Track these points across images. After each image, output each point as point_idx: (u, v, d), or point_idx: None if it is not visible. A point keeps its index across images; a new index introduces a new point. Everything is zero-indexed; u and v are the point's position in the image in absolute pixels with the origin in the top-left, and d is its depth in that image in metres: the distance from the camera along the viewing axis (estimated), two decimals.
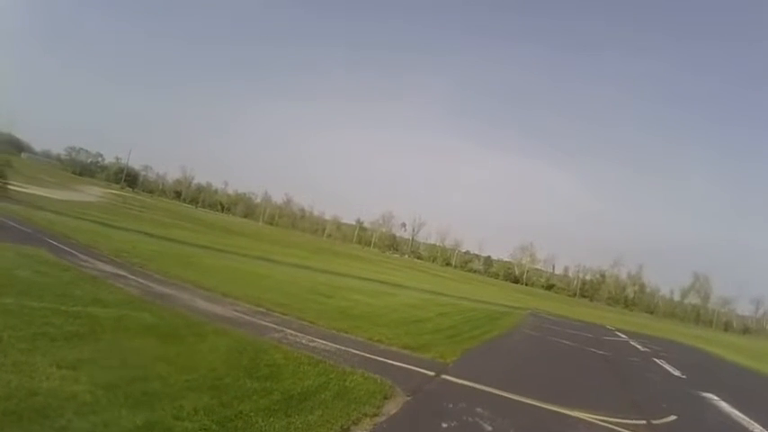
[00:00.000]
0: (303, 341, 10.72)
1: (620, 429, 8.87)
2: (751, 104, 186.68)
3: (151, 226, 42.13)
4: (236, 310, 12.87)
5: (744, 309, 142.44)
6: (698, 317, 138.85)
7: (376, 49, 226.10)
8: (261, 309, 13.70)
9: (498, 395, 9.65)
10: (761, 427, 10.88)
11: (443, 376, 10.22)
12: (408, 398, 8.15)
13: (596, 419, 9.24)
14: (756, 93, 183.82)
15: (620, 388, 14.06)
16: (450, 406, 8.22)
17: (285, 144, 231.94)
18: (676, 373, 19.18)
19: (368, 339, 12.32)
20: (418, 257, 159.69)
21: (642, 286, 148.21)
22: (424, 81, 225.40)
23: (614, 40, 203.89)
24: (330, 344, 10.95)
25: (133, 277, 15.22)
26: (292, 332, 11.41)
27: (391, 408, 7.51)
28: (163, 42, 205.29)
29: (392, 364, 10.31)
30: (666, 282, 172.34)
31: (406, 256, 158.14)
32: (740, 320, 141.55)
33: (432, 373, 10.22)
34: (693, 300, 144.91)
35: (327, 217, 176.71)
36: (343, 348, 10.76)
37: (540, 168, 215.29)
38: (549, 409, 9.40)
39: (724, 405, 13.21)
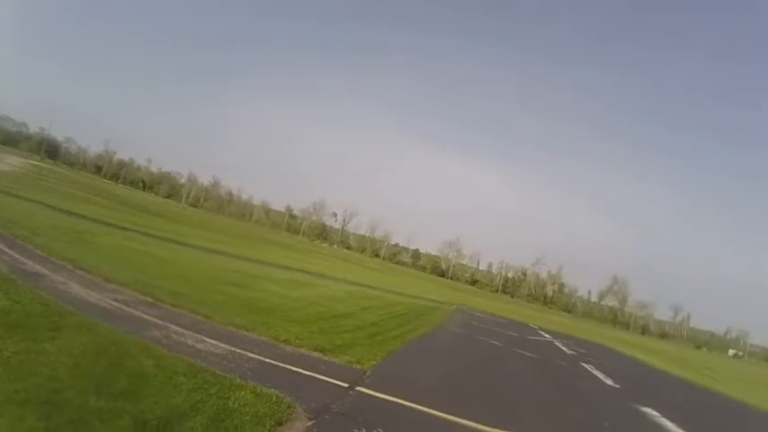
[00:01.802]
0: (189, 342, 8.66)
1: None
2: (678, 110, 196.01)
3: (59, 199, 38.76)
4: (117, 299, 10.51)
5: (661, 314, 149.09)
6: (615, 318, 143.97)
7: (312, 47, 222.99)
8: (148, 298, 11.33)
9: (425, 414, 8.04)
10: None
11: (359, 388, 8.44)
12: (310, 423, 6.32)
13: None
14: (680, 96, 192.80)
15: (557, 401, 12.76)
16: None
17: (216, 124, 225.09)
18: (608, 381, 18.29)
19: (273, 339, 10.26)
20: (347, 248, 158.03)
21: (561, 286, 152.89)
22: (362, 75, 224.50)
23: (544, 41, 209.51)
24: (223, 345, 8.92)
25: (9, 251, 12.93)
26: (178, 329, 9.27)
27: None
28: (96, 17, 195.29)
29: (297, 373, 8.44)
30: (585, 283, 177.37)
31: (335, 245, 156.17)
32: (657, 325, 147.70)
33: (345, 385, 8.41)
34: (611, 302, 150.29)
35: (256, 202, 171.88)
36: (238, 351, 8.77)
37: (472, 167, 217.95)
38: None
39: (668, 424, 12.15)
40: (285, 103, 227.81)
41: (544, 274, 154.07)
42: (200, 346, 8.62)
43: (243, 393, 6.55)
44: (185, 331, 9.29)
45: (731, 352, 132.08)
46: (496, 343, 22.52)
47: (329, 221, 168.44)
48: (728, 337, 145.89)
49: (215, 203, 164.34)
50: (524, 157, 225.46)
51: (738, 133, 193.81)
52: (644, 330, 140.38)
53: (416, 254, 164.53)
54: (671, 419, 12.54)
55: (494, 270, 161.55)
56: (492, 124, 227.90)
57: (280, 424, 6.03)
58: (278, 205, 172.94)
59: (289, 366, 8.67)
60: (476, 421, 8.20)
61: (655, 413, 13.16)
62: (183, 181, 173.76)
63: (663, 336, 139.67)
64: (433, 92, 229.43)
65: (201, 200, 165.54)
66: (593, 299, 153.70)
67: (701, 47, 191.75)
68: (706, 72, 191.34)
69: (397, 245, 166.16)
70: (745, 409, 20.72)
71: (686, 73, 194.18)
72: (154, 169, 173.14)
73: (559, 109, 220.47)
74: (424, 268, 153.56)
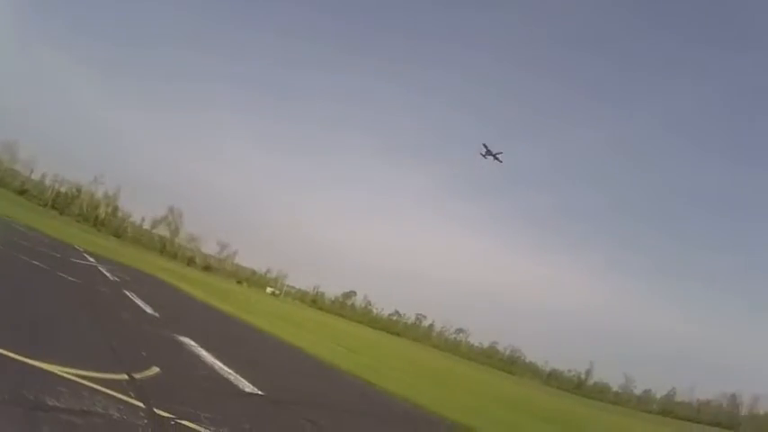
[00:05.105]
0: None
1: (99, 388, 7.48)
2: None
3: None
4: None
5: (209, 248, 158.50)
6: (164, 248, 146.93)
7: None
8: None
9: None
10: (246, 382, 10.86)
11: None
12: None
13: (73, 375, 7.64)
14: None
15: (95, 329, 12.51)
16: None
17: None
18: (149, 309, 18.72)
19: None
20: None
21: (116, 209, 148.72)
22: None
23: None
24: None
25: None
26: None
27: None
28: None
29: None
30: (141, 210, 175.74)
31: None
32: (203, 258, 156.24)
33: None
34: (163, 231, 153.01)
35: None
36: None
37: None
38: (20, 362, 7.40)
39: (204, 353, 13.07)
40: None
41: (100, 194, 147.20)
42: None
43: None
44: None
45: (269, 290, 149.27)
46: (39, 264, 20.78)
47: None
48: (268, 276, 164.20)
49: None
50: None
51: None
52: (190, 262, 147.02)
53: None
54: (207, 349, 13.58)
55: (47, 182, 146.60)
56: None
57: None
58: None
59: None
60: (8, 349, 7.60)
61: (192, 343, 14.07)
62: None
63: (207, 268, 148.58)
64: None
65: None
66: (146, 226, 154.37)
67: None
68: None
69: None
70: (279, 344, 23.14)
71: None
72: None
73: None
74: None
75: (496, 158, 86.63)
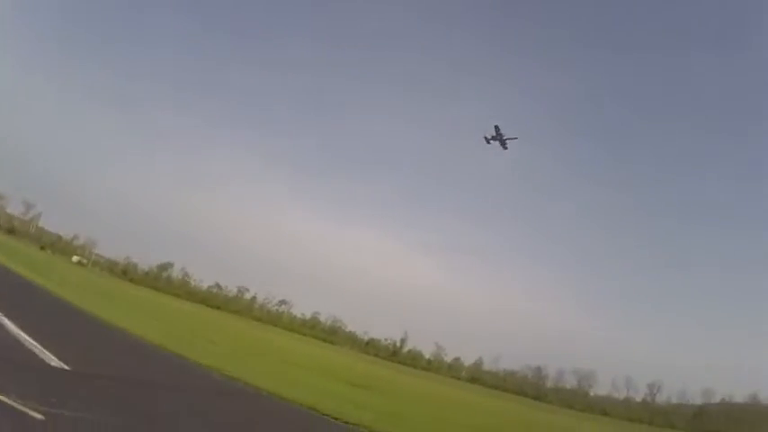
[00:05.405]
0: None
1: None
2: None
3: None
4: None
5: (14, 208, 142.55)
6: None
7: None
8: None
9: None
10: (52, 355, 10.67)
11: None
12: None
13: None
14: None
15: None
16: None
17: None
18: None
19: None
20: None
21: None
22: None
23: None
24: None
25: None
26: None
27: None
28: None
29: None
30: None
31: None
32: (7, 218, 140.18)
33: None
34: None
35: None
36: None
37: None
38: None
39: (7, 323, 12.61)
40: None
41: None
42: None
43: None
44: None
45: (75, 258, 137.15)
46: None
47: None
48: (75, 243, 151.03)
49: None
50: None
51: None
52: None
53: None
54: (10, 319, 13.06)
55: None
56: None
57: None
58: None
59: None
60: None
61: None
62: None
63: (10, 231, 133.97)
64: None
65: None
66: None
67: None
68: None
69: None
70: (87, 316, 22.60)
71: None
72: None
73: None
74: None
75: (503, 144, 75.19)
